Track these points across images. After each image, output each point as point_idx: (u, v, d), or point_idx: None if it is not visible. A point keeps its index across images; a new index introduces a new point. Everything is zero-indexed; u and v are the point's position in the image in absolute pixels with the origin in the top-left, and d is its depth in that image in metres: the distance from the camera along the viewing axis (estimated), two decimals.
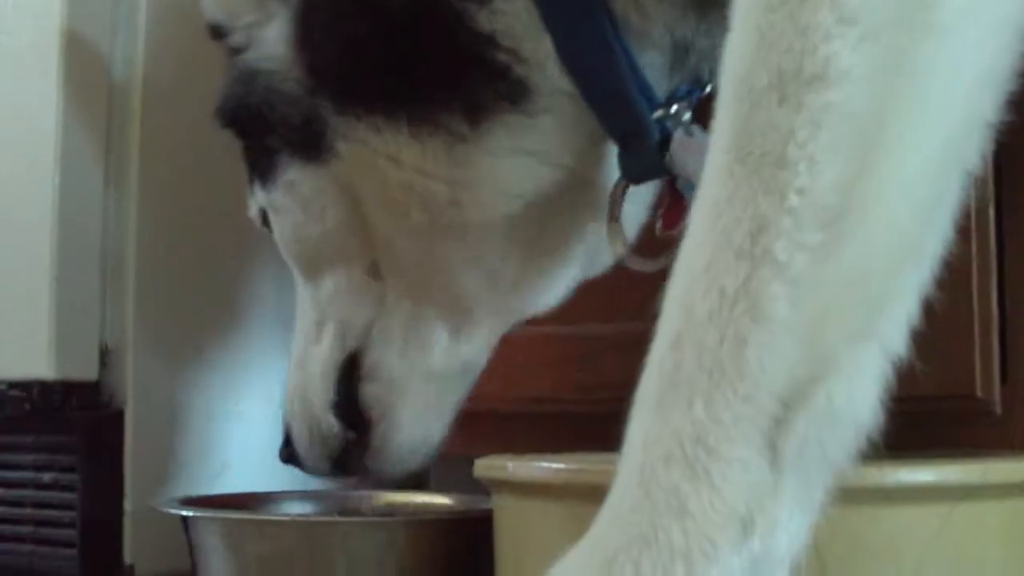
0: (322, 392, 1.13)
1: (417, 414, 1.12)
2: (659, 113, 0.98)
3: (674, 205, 1.02)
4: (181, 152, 1.54)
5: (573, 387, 1.38)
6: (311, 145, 1.04)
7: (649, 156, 0.99)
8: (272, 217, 1.12)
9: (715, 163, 0.68)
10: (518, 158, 0.99)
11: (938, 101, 0.67)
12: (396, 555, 1.21)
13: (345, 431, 1.14)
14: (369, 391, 1.11)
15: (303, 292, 1.15)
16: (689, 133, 0.98)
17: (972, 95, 0.69)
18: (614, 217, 1.03)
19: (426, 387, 1.11)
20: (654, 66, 0.98)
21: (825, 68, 0.64)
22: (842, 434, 0.67)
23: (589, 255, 1.08)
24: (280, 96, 1.05)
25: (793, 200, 0.65)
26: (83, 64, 1.48)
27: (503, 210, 1.01)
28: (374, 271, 1.08)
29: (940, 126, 0.67)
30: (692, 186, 0.97)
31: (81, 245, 1.48)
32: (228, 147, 1.15)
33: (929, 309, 0.71)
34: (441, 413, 1.13)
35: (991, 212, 1.15)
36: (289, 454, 1.19)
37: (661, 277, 0.70)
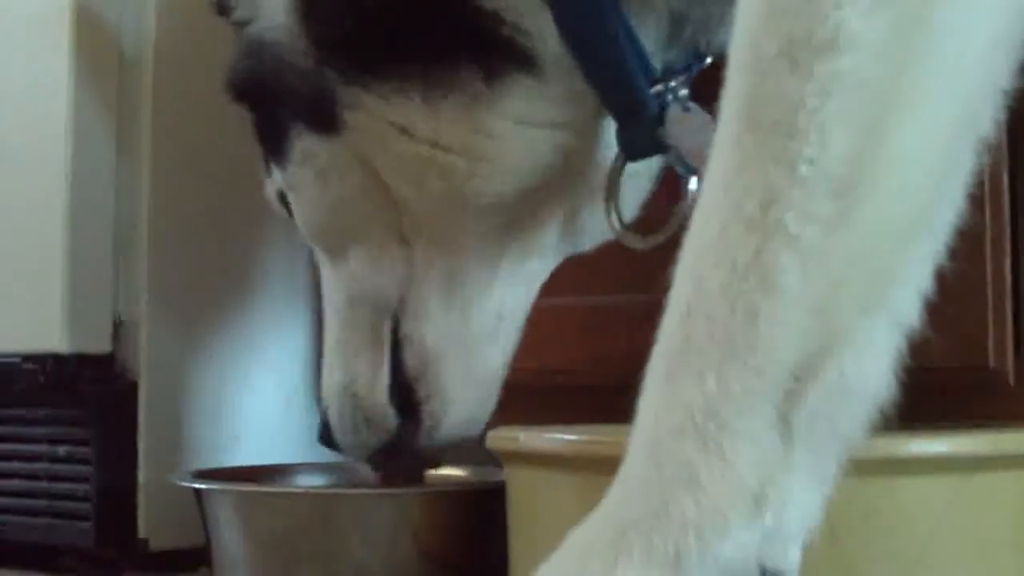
0: (373, 380, 1.12)
1: (464, 384, 1.11)
2: (657, 88, 0.97)
3: (673, 181, 1.01)
4: (193, 123, 1.53)
5: (587, 358, 1.38)
6: (322, 117, 1.03)
7: (646, 131, 0.98)
8: (290, 196, 1.12)
9: (725, 132, 0.67)
10: (532, 127, 0.99)
11: (951, 67, 0.66)
12: (409, 527, 1.21)
13: (398, 418, 1.13)
14: (412, 365, 1.10)
15: (330, 273, 1.14)
16: (686, 108, 0.97)
17: (986, 61, 0.68)
18: (610, 193, 1.02)
19: (468, 354, 1.10)
20: (651, 39, 0.98)
21: (836, 35, 0.64)
22: (854, 407, 0.67)
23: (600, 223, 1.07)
24: (288, 68, 1.05)
25: (803, 170, 0.64)
26: (94, 36, 1.48)
27: (518, 180, 1.01)
28: (400, 238, 1.07)
29: (953, 93, 0.67)
30: (684, 163, 0.97)
31: (93, 218, 1.48)
32: (240, 119, 1.15)
33: (941, 278, 0.71)
34: (488, 380, 1.12)
35: (1005, 179, 1.15)
36: (328, 438, 1.18)
37: (675, 247, 0.69)
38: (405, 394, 1.12)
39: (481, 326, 1.09)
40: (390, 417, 1.13)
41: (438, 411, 1.11)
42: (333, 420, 1.16)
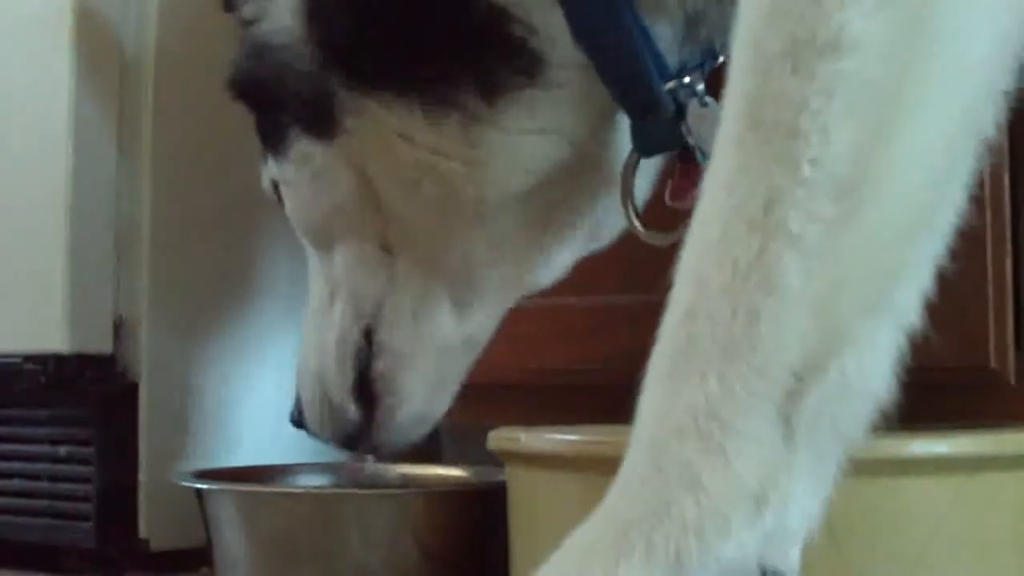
0: (340, 375, 1.13)
1: (421, 388, 1.11)
2: (671, 84, 0.97)
3: (683, 177, 1.02)
4: (194, 124, 1.54)
5: (588, 359, 1.38)
6: (321, 121, 1.03)
7: (663, 128, 0.98)
8: (283, 190, 1.12)
9: (727, 132, 0.67)
10: (533, 135, 0.99)
11: (953, 68, 0.66)
12: (410, 527, 1.21)
13: (360, 412, 1.14)
14: (379, 367, 1.11)
15: (315, 264, 1.15)
16: (704, 104, 0.97)
17: (988, 62, 0.68)
18: (626, 190, 1.03)
19: (431, 361, 1.10)
20: (666, 37, 0.98)
21: (839, 36, 0.64)
22: (855, 408, 0.67)
23: (594, 228, 1.07)
24: (291, 70, 1.04)
25: (806, 171, 0.64)
26: (95, 36, 1.48)
27: (517, 186, 1.01)
28: (385, 245, 1.08)
29: (955, 94, 0.67)
30: (706, 157, 0.97)
31: (95, 218, 1.48)
32: (241, 118, 1.14)
33: (943, 279, 0.71)
34: (445, 386, 1.13)
35: (1005, 179, 1.15)
36: (300, 420, 1.19)
37: (676, 247, 0.69)
38: (368, 393, 1.12)
39: (448, 337, 1.09)
40: (352, 412, 1.13)
41: (392, 408, 1.12)
42: (305, 403, 1.16)
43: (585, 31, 0.95)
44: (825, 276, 0.65)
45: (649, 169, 1.06)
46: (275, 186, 1.14)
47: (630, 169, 1.02)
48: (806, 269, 0.64)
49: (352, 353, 1.11)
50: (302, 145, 1.07)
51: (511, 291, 1.10)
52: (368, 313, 1.10)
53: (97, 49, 1.48)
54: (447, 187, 1.01)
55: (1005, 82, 0.70)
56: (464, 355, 1.12)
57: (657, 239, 1.02)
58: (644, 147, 1.01)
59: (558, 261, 1.09)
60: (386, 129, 1.00)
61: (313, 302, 1.15)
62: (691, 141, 0.98)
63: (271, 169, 1.13)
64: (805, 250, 0.64)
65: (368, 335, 1.11)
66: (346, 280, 1.10)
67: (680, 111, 0.98)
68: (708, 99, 0.98)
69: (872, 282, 0.67)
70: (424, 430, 1.15)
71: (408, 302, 1.08)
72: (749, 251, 0.65)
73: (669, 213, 1.03)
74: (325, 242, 1.12)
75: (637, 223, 1.03)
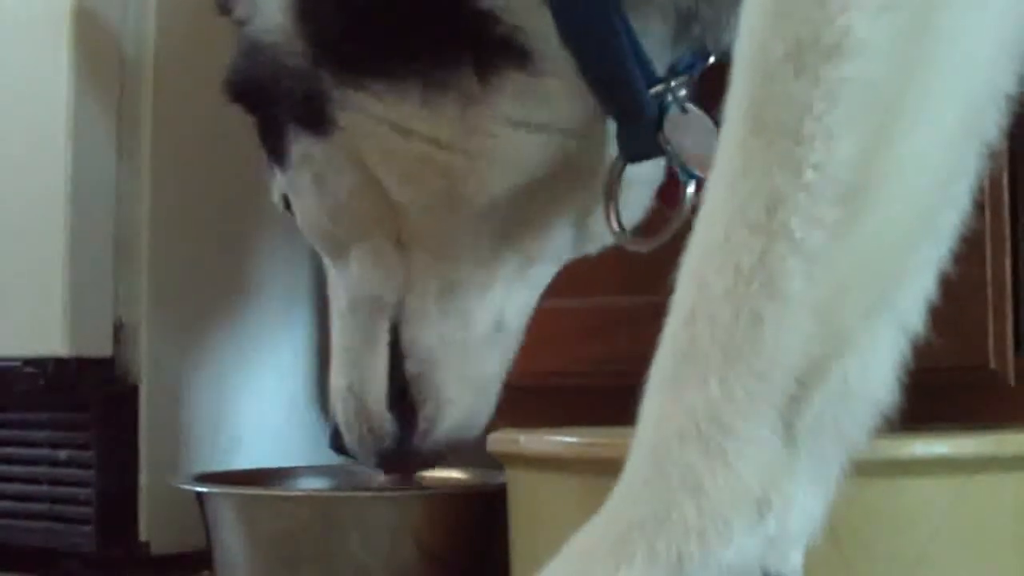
0: (374, 383, 1.11)
1: (459, 389, 1.10)
2: (658, 88, 0.96)
3: (673, 184, 1.01)
4: (193, 127, 1.53)
5: (588, 360, 1.38)
6: (316, 119, 1.02)
7: (645, 133, 0.97)
8: (292, 200, 1.11)
9: (730, 134, 0.67)
10: (530, 128, 0.98)
11: (958, 73, 0.66)
12: (410, 529, 1.21)
13: (398, 427, 1.12)
14: (412, 370, 1.09)
15: (333, 276, 1.14)
16: (684, 110, 0.96)
17: (991, 65, 0.68)
18: (610, 195, 1.02)
19: (465, 360, 1.09)
20: (656, 36, 0.96)
21: (843, 39, 0.64)
22: (857, 411, 0.67)
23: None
24: (283, 69, 1.04)
25: (809, 175, 0.64)
26: (94, 38, 1.48)
27: (517, 179, 1.00)
28: (399, 242, 1.07)
29: (959, 99, 0.67)
30: (683, 165, 0.97)
31: (94, 221, 1.48)
32: (241, 120, 1.14)
33: (943, 280, 0.71)
34: (484, 387, 1.11)
35: (1005, 180, 1.15)
36: (339, 445, 1.17)
37: (677, 249, 0.69)
38: (403, 398, 1.11)
39: (478, 331, 1.08)
40: (388, 422, 1.12)
41: (433, 414, 1.10)
42: (341, 425, 1.15)
43: (571, 32, 0.94)
44: (827, 280, 0.65)
45: (652, 175, 1.05)
46: (286, 201, 1.13)
47: (615, 174, 1.01)
48: (808, 273, 0.64)
49: (383, 358, 1.10)
50: (301, 146, 1.06)
51: (533, 280, 1.09)
52: (392, 314, 1.09)
53: (97, 49, 1.48)
54: (449, 179, 1.00)
55: (1008, 85, 0.70)
56: (500, 351, 1.10)
57: (636, 245, 1.02)
58: (627, 152, 1.00)
59: (578, 247, 1.08)
60: (381, 123, 0.99)
61: (336, 316, 1.14)
62: (668, 149, 0.97)
63: (279, 181, 1.12)
64: (808, 254, 0.64)
65: (396, 336, 1.10)
66: (364, 282, 1.09)
67: (662, 117, 0.97)
68: (689, 106, 0.97)
69: (875, 286, 0.67)
70: (470, 435, 1.13)
71: (430, 298, 1.07)
72: (751, 255, 0.65)
73: (657, 219, 1.03)
74: (339, 248, 1.10)
75: (617, 228, 1.02)
